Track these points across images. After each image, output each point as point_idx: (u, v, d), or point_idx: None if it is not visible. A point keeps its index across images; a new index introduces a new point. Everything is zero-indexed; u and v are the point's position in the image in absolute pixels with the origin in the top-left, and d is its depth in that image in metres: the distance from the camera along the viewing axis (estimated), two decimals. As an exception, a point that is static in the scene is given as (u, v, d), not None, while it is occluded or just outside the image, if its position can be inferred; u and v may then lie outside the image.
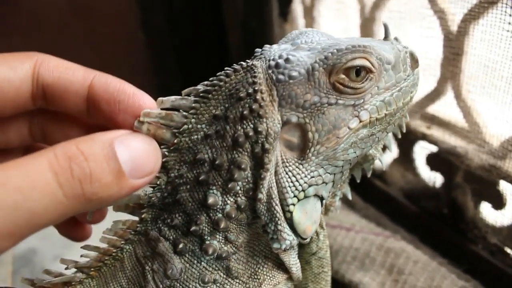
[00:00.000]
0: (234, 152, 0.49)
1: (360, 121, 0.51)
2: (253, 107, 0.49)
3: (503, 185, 0.90)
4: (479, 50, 0.83)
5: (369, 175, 0.61)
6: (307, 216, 0.51)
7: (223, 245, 0.52)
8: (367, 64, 0.50)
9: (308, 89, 0.50)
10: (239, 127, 0.49)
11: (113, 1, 1.39)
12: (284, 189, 0.50)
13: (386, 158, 1.10)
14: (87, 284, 0.55)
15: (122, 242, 0.55)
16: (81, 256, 0.55)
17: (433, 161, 0.98)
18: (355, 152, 0.52)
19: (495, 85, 0.82)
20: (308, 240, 0.54)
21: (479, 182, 0.93)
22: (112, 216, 0.55)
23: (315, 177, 0.51)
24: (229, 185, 0.50)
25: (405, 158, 1.07)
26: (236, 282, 0.54)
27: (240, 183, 0.50)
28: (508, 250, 0.91)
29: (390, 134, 0.59)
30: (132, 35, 1.39)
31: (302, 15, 1.28)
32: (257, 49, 0.54)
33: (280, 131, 0.50)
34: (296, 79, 0.49)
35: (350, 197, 0.62)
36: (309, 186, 0.51)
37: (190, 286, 0.52)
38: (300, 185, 0.50)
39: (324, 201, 0.53)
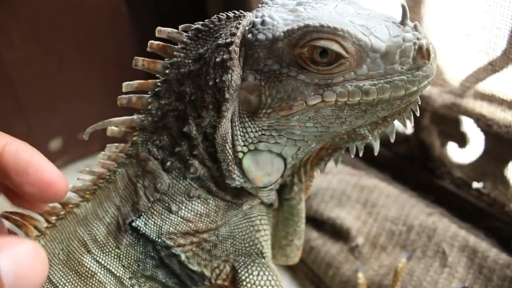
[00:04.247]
0: (204, 92, 0.55)
1: (323, 101, 0.50)
2: (225, 57, 0.53)
3: (465, 125, 0.99)
4: (436, -3, 0.90)
5: (360, 154, 0.57)
6: (259, 167, 0.55)
7: (203, 166, 0.58)
8: (336, 47, 0.47)
9: (271, 55, 0.50)
10: (211, 71, 0.54)
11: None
12: (236, 137, 0.54)
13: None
14: (83, 207, 0.61)
15: (115, 165, 0.61)
16: (78, 179, 0.61)
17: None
18: (315, 127, 0.52)
19: (452, 29, 0.90)
20: (265, 185, 0.57)
21: (444, 123, 1.01)
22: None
23: (266, 135, 0.54)
24: (198, 120, 0.56)
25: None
26: (219, 199, 0.60)
27: (207, 119, 0.55)
28: (471, 183, 0.99)
29: (395, 123, 0.56)
30: (116, 8, 1.44)
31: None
32: (265, 0, 0.56)
33: (241, 85, 0.53)
34: (261, 43, 0.50)
35: (338, 164, 0.62)
36: (259, 141, 0.54)
37: (177, 199, 0.58)
38: (249, 137, 0.54)
39: (287, 160, 0.56)
